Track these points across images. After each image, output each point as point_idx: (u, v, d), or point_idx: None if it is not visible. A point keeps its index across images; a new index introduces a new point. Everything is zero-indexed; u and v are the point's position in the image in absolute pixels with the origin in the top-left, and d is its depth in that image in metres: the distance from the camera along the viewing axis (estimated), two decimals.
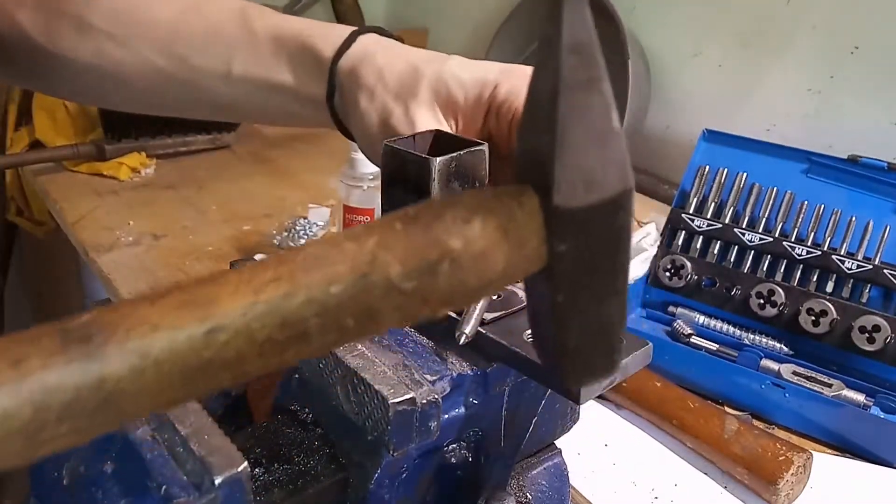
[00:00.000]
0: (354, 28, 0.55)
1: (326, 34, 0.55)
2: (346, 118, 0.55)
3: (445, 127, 0.52)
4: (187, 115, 0.68)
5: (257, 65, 0.56)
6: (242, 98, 0.58)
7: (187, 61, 0.58)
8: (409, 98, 0.51)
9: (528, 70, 0.51)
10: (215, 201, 1.23)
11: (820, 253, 0.84)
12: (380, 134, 0.52)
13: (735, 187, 0.91)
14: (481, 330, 0.42)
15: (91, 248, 1.06)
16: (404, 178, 0.44)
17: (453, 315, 0.42)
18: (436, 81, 0.51)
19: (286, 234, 1.10)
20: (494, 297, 0.44)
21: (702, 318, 0.89)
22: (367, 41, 0.54)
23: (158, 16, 0.58)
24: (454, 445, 0.43)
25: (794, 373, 0.79)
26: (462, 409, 0.41)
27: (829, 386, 0.77)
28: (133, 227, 1.12)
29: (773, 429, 0.77)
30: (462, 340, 0.40)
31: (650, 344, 0.41)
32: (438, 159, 0.42)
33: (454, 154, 0.43)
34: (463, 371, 0.41)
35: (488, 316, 0.42)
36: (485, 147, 0.45)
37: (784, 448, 0.66)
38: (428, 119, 0.51)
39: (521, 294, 0.45)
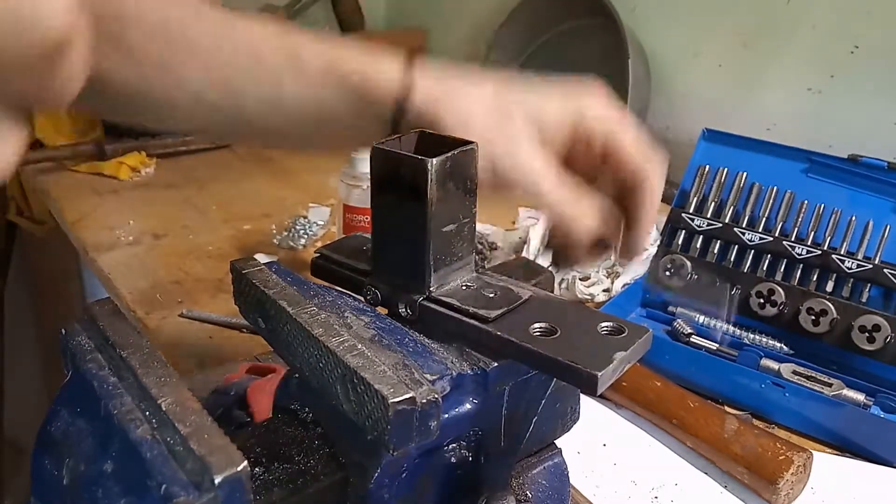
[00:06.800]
0: (399, 58, 0.52)
1: (378, 72, 0.52)
2: None
3: (553, 164, 0.50)
4: (233, 142, 0.65)
5: (309, 94, 0.53)
6: (291, 127, 0.55)
7: (230, 84, 0.53)
8: (509, 144, 0.50)
9: (599, 88, 0.51)
10: (215, 201, 1.23)
11: (820, 252, 0.84)
12: (490, 182, 0.49)
13: (735, 187, 0.91)
14: (488, 329, 0.42)
15: (91, 247, 1.06)
16: (397, 180, 0.43)
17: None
18: (530, 121, 0.50)
19: (286, 233, 1.10)
20: (492, 296, 0.44)
21: (702, 318, 0.89)
22: (427, 83, 0.51)
23: (196, 38, 0.53)
24: (454, 445, 0.42)
25: (794, 372, 0.79)
26: (462, 409, 0.41)
27: (829, 385, 0.77)
28: (133, 227, 1.12)
29: (774, 428, 0.77)
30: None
31: (650, 330, 0.41)
32: (434, 160, 0.41)
33: (448, 154, 0.42)
34: (463, 371, 0.41)
35: (492, 314, 0.42)
36: (474, 145, 0.44)
37: (784, 447, 0.66)
38: (541, 162, 0.50)
39: (518, 290, 0.45)
